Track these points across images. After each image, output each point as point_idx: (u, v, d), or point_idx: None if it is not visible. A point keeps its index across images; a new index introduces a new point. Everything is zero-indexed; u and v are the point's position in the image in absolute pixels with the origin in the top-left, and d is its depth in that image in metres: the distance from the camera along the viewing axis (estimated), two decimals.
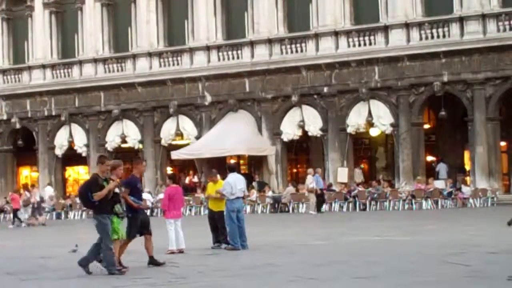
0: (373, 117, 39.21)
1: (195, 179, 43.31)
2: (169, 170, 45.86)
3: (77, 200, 44.09)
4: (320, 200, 36.18)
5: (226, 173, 19.91)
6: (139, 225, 15.65)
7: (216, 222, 19.80)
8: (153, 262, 15.81)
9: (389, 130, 39.21)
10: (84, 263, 14.63)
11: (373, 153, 43.35)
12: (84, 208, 43.03)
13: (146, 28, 44.39)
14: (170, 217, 18.78)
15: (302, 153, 44.72)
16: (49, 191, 44.79)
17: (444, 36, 37.87)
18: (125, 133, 45.17)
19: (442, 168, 39.37)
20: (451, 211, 33.63)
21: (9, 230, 35.41)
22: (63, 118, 46.39)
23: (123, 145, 45.68)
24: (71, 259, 18.16)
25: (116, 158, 46.46)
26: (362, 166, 42.40)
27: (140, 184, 16.18)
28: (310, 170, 37.15)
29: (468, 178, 38.64)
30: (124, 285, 13.11)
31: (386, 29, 39.03)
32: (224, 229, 19.50)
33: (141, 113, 44.56)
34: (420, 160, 38.88)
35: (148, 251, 15.91)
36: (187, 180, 44.02)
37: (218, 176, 20.49)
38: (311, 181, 35.81)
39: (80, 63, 46.44)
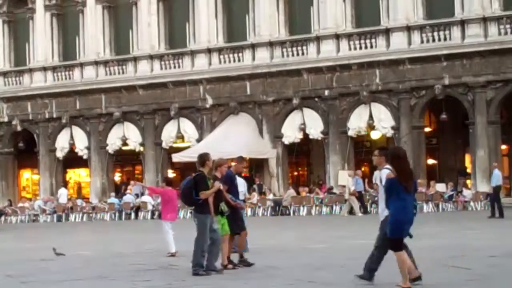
0: (374, 120, 39.21)
1: None
2: (170, 172, 45.86)
3: (78, 202, 44.27)
4: (361, 201, 36.12)
5: None
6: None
7: None
8: (242, 261, 15.50)
9: (390, 133, 39.20)
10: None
11: None
12: (85, 211, 43.20)
13: (147, 30, 44.39)
14: (167, 219, 18.86)
15: (303, 156, 44.70)
16: (64, 193, 44.81)
17: (445, 39, 37.86)
18: (126, 135, 45.16)
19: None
20: (452, 214, 33.61)
21: None
22: (64, 121, 46.38)
23: (124, 148, 45.69)
24: (73, 261, 18.17)
25: (117, 160, 46.99)
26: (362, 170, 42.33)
27: (236, 182, 15.94)
28: (350, 173, 36.98)
29: (469, 181, 38.61)
30: None
31: (387, 32, 39.02)
32: None
33: (142, 116, 44.55)
34: (421, 164, 38.84)
35: (240, 249, 15.60)
36: None
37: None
38: (352, 183, 35.69)
39: (81, 65, 46.44)
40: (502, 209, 29.41)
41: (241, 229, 15.63)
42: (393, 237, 11.20)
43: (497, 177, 30.43)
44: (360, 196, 36.22)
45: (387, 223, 11.32)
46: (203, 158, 14.80)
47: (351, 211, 35.96)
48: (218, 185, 14.45)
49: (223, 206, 14.67)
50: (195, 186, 14.39)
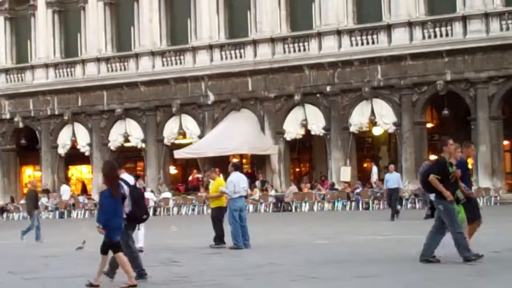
0: (376, 116, 39.20)
1: (199, 175, 43.06)
2: (172, 169, 45.90)
3: (80, 198, 44.20)
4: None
5: (228, 172, 19.87)
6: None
7: (213, 218, 19.77)
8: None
9: (392, 129, 39.21)
10: (428, 254, 13.86)
11: (376, 152, 43.32)
12: (87, 207, 43.09)
13: (149, 27, 44.39)
14: None
15: (304, 152, 44.71)
16: (67, 189, 44.80)
17: (447, 35, 37.84)
18: (128, 132, 45.18)
19: (374, 172, 39.25)
20: None
21: None
22: (66, 117, 46.41)
23: (126, 144, 45.72)
24: (75, 258, 18.20)
25: (118, 157, 46.91)
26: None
27: (469, 169, 15.27)
28: (427, 163, 36.32)
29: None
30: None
31: (389, 28, 39.01)
32: (217, 227, 19.48)
33: (144, 112, 44.58)
34: (423, 159, 38.72)
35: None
36: (190, 177, 43.99)
37: (219, 174, 20.44)
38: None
39: (83, 62, 46.45)
40: (396, 211, 29.02)
41: (477, 218, 15.04)
42: (107, 240, 12.49)
43: (395, 179, 29.97)
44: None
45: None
46: (441, 143, 14.35)
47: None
48: (458, 172, 14.07)
49: (459, 194, 14.15)
50: (435, 171, 13.93)
